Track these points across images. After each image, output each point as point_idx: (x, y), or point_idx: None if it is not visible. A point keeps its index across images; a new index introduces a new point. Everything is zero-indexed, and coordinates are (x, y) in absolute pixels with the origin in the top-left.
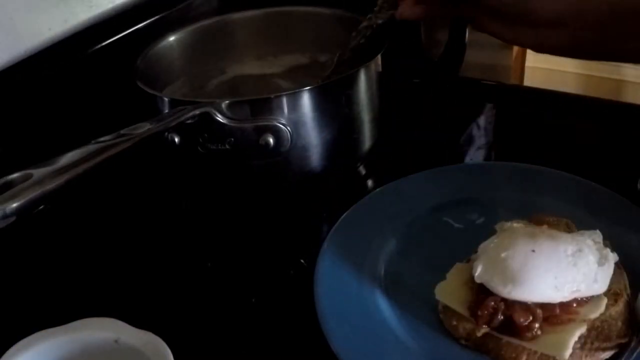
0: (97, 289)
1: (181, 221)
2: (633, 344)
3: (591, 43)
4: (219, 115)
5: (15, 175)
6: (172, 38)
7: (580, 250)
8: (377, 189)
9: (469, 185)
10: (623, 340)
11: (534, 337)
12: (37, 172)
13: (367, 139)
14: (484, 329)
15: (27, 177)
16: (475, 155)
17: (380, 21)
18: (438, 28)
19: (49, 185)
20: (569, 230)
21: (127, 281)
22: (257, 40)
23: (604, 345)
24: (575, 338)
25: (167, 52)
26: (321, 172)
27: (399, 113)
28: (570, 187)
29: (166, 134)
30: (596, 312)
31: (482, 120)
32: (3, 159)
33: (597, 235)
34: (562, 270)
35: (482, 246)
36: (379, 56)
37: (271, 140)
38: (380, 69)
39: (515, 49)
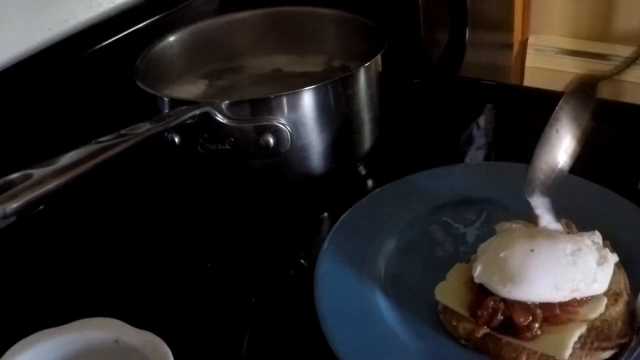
0: (97, 289)
1: (181, 221)
2: (633, 344)
3: None
4: (219, 115)
5: (15, 175)
6: (172, 38)
7: (579, 250)
8: (377, 189)
9: (469, 185)
10: (623, 340)
11: (534, 337)
12: (37, 172)
13: (367, 139)
14: (484, 329)
15: (27, 177)
16: (475, 155)
17: None
18: (438, 28)
19: (49, 185)
20: (568, 230)
21: (127, 281)
22: (257, 40)
23: (604, 345)
24: (575, 338)
25: (167, 52)
26: (321, 172)
27: (399, 113)
28: (570, 187)
29: (166, 134)
30: (596, 312)
31: (482, 120)
32: (3, 159)
33: (597, 236)
34: (561, 269)
35: (481, 247)
36: (379, 56)
37: (271, 141)
38: (380, 69)
39: (515, 49)
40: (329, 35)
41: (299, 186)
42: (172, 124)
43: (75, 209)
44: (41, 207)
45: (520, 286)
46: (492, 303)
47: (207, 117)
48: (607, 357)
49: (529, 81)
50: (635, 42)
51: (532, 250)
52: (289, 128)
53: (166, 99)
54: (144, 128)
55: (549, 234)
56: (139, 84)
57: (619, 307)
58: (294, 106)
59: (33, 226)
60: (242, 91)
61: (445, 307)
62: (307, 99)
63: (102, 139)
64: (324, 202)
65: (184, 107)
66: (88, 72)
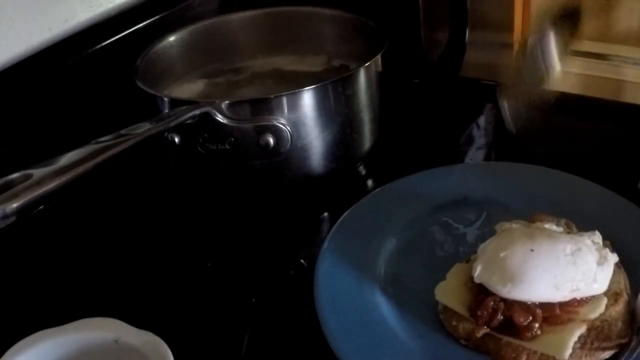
0: (97, 289)
1: (181, 221)
2: (633, 344)
3: None
4: (219, 115)
5: (15, 175)
6: (172, 38)
7: (579, 250)
8: (377, 189)
9: (469, 185)
10: (623, 340)
11: (534, 337)
12: (37, 172)
13: (367, 139)
14: (484, 329)
15: (27, 177)
16: (475, 155)
17: None
18: (438, 28)
19: (49, 185)
20: (569, 230)
21: (127, 281)
22: (257, 40)
23: (604, 345)
24: (575, 338)
25: (167, 52)
26: (321, 172)
27: (399, 113)
28: (570, 187)
29: (166, 134)
30: (596, 312)
31: (482, 120)
32: (3, 159)
33: (597, 236)
34: (561, 269)
35: (481, 247)
36: (379, 56)
37: (271, 141)
38: (380, 69)
39: (515, 49)
40: (329, 35)
41: (299, 186)
42: (172, 124)
43: (75, 209)
44: (41, 207)
45: (520, 286)
46: (492, 303)
47: (207, 117)
48: (607, 357)
49: None
50: (635, 42)
51: (532, 250)
52: (289, 128)
53: (166, 99)
54: (144, 128)
55: (549, 234)
56: (139, 84)
57: (619, 307)
58: (294, 106)
59: (33, 226)
60: (242, 91)
61: (445, 307)
62: (307, 99)
63: (102, 139)
64: (324, 202)
65: (184, 107)
66: (88, 72)
